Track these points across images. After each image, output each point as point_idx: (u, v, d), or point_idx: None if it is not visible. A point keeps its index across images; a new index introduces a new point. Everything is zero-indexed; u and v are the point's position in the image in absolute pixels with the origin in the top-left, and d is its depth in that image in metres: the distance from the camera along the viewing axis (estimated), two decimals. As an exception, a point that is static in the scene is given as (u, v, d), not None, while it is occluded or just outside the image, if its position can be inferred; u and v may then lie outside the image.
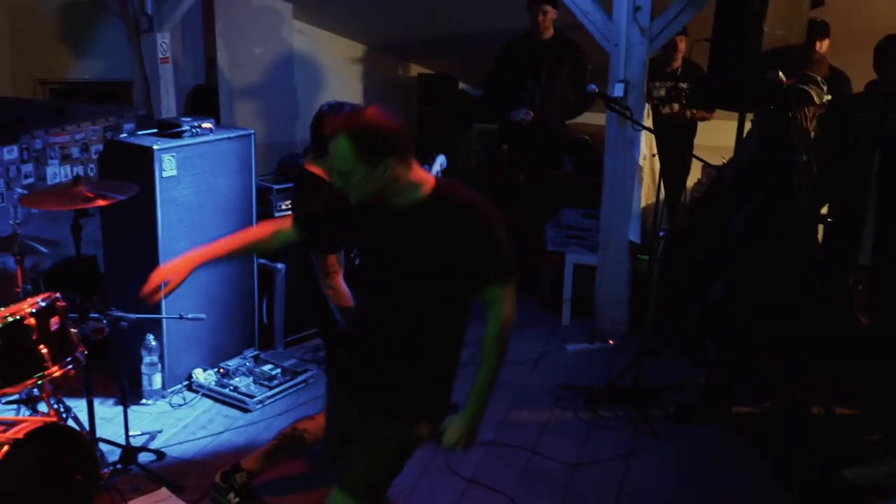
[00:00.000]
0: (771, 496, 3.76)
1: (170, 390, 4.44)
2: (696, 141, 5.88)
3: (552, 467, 3.90)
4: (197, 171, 4.35)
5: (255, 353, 4.82)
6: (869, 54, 4.12)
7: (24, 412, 3.73)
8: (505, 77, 5.84)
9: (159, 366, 4.35)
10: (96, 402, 3.85)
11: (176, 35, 6.21)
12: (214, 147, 4.44)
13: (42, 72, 6.59)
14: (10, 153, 4.78)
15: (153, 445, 3.98)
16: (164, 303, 4.28)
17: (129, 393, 3.99)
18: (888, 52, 4.02)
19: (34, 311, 3.37)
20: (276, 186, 5.06)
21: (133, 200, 3.70)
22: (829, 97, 3.80)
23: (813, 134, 3.81)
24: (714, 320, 4.58)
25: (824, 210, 4.30)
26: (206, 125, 4.41)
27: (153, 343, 4.29)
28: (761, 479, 3.85)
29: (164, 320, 4.28)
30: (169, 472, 3.75)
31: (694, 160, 5.21)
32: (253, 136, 4.64)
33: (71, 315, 3.59)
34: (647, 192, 5.16)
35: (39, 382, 3.40)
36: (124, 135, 5.02)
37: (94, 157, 5.24)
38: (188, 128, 4.34)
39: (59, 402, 3.69)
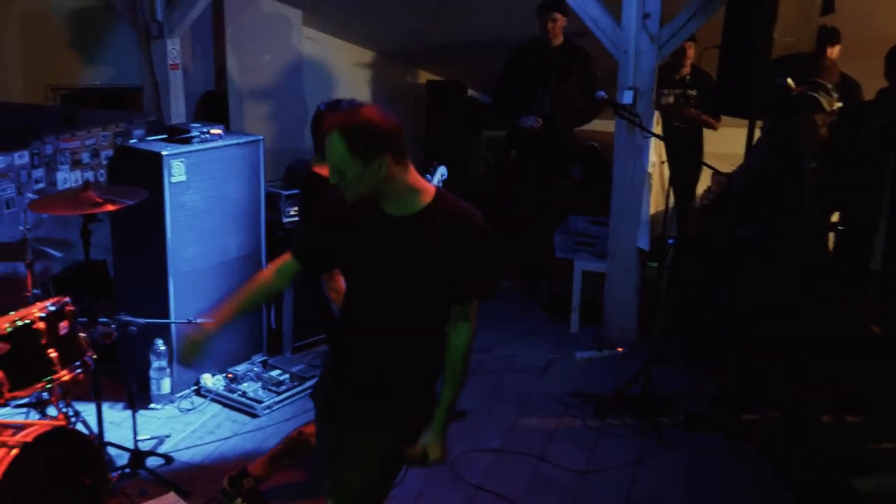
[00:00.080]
0: (780, 505, 3.73)
1: (178, 395, 4.44)
2: (707, 148, 5.87)
3: (560, 475, 3.88)
4: (206, 177, 4.37)
5: (264, 358, 4.83)
6: (880, 61, 4.09)
7: (34, 416, 3.73)
8: (514, 84, 5.83)
9: (168, 370, 4.36)
10: (105, 406, 3.86)
11: (186, 41, 6.24)
12: (223, 153, 4.46)
13: (53, 78, 6.62)
14: (22, 158, 4.81)
15: (161, 450, 3.98)
16: (172, 308, 4.30)
17: (138, 397, 4.00)
18: (899, 60, 4.00)
19: (44, 315, 3.39)
20: (284, 192, 5.07)
21: (142, 206, 3.71)
22: (839, 104, 3.78)
23: (823, 140, 3.79)
24: (724, 325, 4.56)
25: (835, 218, 4.28)
26: (216, 131, 4.43)
27: (162, 348, 4.30)
28: (771, 487, 3.82)
29: (172, 325, 4.29)
30: (177, 476, 3.76)
31: (704, 167, 5.20)
32: (262, 142, 4.65)
33: (80, 319, 3.61)
34: (657, 199, 5.15)
35: (49, 386, 3.43)
36: (134, 140, 5.05)
37: (105, 162, 5.27)
38: (197, 134, 4.35)
39: (67, 405, 3.71)
